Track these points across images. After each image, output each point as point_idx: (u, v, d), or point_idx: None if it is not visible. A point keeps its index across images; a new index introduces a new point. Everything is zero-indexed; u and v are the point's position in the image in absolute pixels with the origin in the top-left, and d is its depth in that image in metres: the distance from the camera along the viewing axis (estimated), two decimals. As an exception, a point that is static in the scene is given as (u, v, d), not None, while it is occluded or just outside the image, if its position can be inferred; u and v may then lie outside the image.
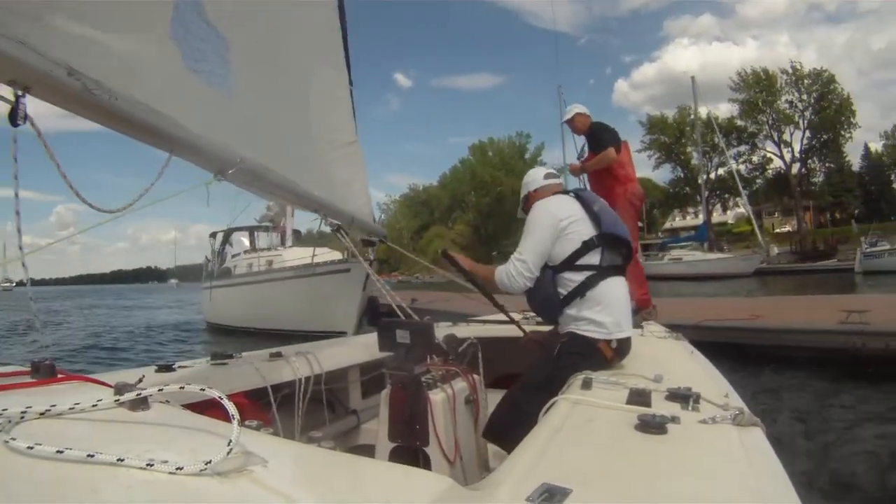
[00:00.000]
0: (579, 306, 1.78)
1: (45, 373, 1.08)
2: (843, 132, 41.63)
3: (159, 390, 0.95)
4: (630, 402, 1.28)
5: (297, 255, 11.76)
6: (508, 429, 1.76)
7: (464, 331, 2.50)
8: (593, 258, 1.80)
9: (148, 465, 0.70)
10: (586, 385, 1.45)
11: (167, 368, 1.70)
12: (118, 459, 0.70)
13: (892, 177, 44.71)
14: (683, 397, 1.31)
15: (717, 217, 43.24)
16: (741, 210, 44.77)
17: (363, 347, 2.29)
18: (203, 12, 1.58)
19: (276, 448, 0.87)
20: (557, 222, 1.81)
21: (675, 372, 1.61)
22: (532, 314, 2.29)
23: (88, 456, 0.71)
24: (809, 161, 43.48)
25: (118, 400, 0.93)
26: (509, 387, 1.98)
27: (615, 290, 1.82)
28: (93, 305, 27.00)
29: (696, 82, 30.60)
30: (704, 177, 36.36)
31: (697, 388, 1.35)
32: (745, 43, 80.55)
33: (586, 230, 1.82)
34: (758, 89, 42.17)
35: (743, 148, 44.20)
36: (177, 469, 0.70)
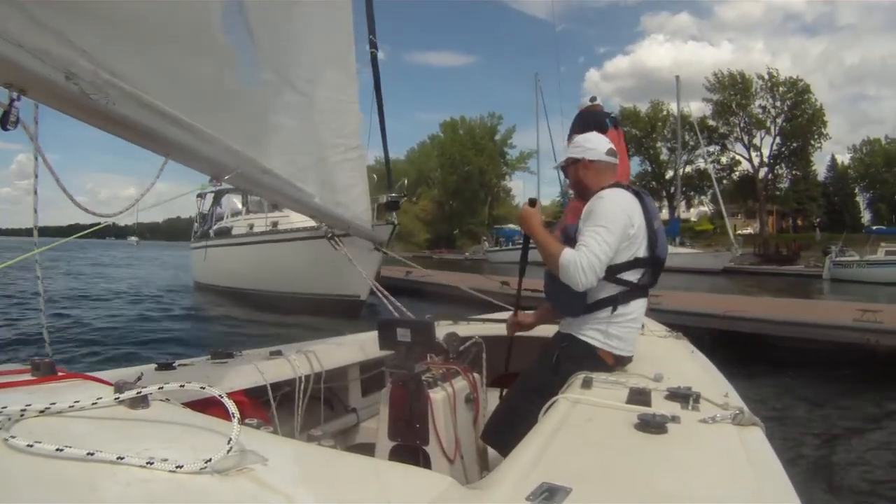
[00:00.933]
0: (604, 316, 1.72)
1: (45, 371, 1.08)
2: (813, 142, 42.55)
3: (159, 388, 0.95)
4: (630, 401, 1.28)
5: (305, 217, 11.57)
6: (505, 433, 1.75)
7: (465, 329, 2.50)
8: (634, 276, 1.72)
9: (148, 463, 0.70)
10: (586, 384, 1.45)
11: (167, 366, 1.70)
12: (118, 458, 0.70)
13: (857, 190, 45.86)
14: (683, 397, 1.31)
15: (681, 214, 44.29)
16: (704, 209, 46.22)
17: (363, 346, 2.29)
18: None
19: (276, 446, 0.87)
20: (629, 228, 1.68)
21: (675, 371, 1.61)
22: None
23: (88, 454, 0.71)
24: (777, 167, 44.36)
25: (118, 398, 0.93)
26: (510, 386, 1.97)
27: (638, 311, 1.77)
28: (58, 259, 24.04)
29: (680, 81, 30.97)
30: (678, 172, 37.41)
31: (697, 388, 1.35)
32: (720, 45, 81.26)
33: (642, 246, 1.72)
34: (733, 92, 42.80)
35: (713, 148, 44.93)
36: (177, 467, 0.70)
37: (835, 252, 22.85)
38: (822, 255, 26.68)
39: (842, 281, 20.35)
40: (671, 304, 6.58)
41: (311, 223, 10.42)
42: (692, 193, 46.81)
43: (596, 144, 1.88)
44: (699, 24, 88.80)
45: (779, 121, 42.21)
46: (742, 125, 43.51)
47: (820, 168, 45.74)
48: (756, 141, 43.54)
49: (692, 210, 48.76)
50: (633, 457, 0.99)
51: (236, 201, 15.02)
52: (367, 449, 1.87)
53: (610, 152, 1.86)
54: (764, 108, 42.75)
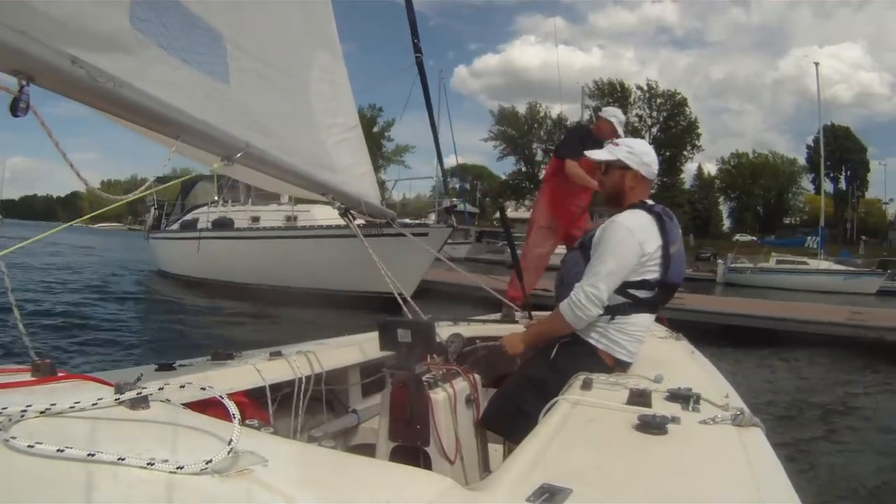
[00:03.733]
0: (604, 322, 1.74)
1: (45, 371, 1.07)
2: (686, 152, 46.24)
3: (160, 389, 0.95)
4: (630, 402, 1.28)
5: (329, 214, 11.29)
6: (498, 419, 1.79)
7: (466, 330, 2.50)
8: (641, 294, 1.73)
9: (148, 464, 0.70)
10: (586, 385, 1.45)
11: (167, 367, 1.70)
12: (119, 458, 0.70)
13: (722, 199, 50.84)
14: (684, 398, 1.31)
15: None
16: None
17: (363, 346, 2.28)
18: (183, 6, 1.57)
19: (277, 447, 0.87)
20: (641, 257, 1.68)
21: (675, 372, 1.61)
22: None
23: (89, 455, 0.71)
24: (649, 174, 47.98)
25: (118, 399, 0.93)
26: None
27: (641, 322, 1.77)
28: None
29: (584, 91, 32.91)
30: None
31: (698, 389, 1.35)
32: (590, 51, 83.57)
33: (654, 271, 1.72)
34: (612, 99, 44.35)
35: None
36: (177, 468, 0.70)
37: (730, 258, 24.56)
38: (694, 259, 28.90)
39: (735, 285, 21.43)
40: (694, 305, 8.69)
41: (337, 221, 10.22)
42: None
43: (652, 161, 1.84)
44: (572, 28, 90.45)
45: (654, 130, 45.01)
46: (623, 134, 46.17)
47: (686, 177, 49.72)
48: (631, 148, 46.83)
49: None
50: (634, 458, 0.99)
51: (210, 189, 14.33)
52: (368, 450, 1.87)
53: (657, 173, 1.87)
54: (640, 116, 45.60)
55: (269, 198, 13.34)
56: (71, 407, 0.88)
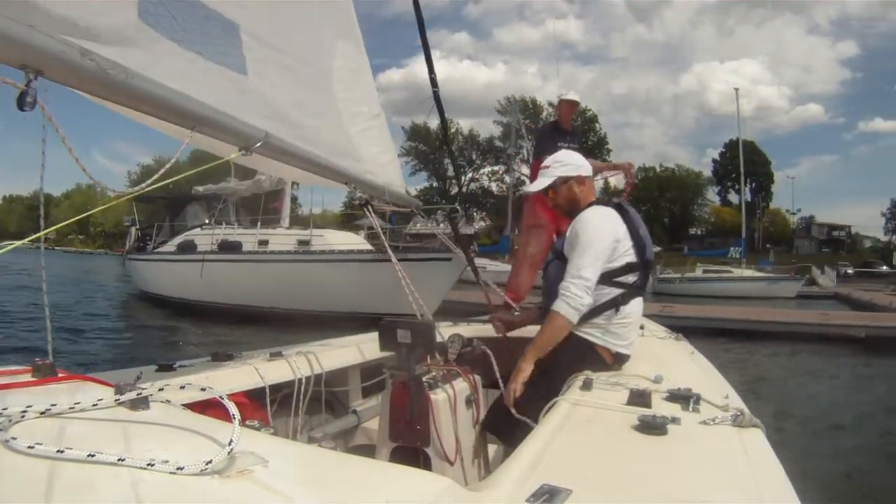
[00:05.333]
0: (607, 318, 1.77)
1: (45, 372, 1.07)
2: None
3: (160, 390, 0.95)
4: (630, 402, 1.28)
5: (343, 239, 11.58)
6: (501, 422, 1.79)
7: (466, 330, 2.50)
8: (629, 278, 1.80)
9: (149, 464, 0.70)
10: (586, 386, 1.45)
11: (167, 368, 1.70)
12: (119, 459, 0.71)
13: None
14: (684, 398, 1.31)
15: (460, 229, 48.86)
16: (483, 224, 48.19)
17: (363, 347, 2.28)
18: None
19: (277, 448, 0.87)
20: (616, 242, 1.77)
21: (675, 373, 1.61)
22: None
23: (89, 455, 0.71)
24: (559, 188, 50.76)
25: (118, 399, 0.93)
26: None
27: (636, 310, 1.84)
28: None
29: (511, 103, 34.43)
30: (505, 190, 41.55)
31: (698, 389, 1.35)
32: (494, 66, 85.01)
33: (632, 253, 1.80)
34: (523, 116, 45.12)
35: (498, 167, 49.18)
36: (177, 469, 0.70)
37: (658, 270, 25.36)
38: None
39: (665, 294, 22.01)
40: (682, 313, 10.71)
41: (355, 246, 10.35)
42: (474, 210, 50.38)
43: (582, 161, 1.97)
44: (476, 44, 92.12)
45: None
46: (529, 148, 47.39)
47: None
48: (541, 163, 48.77)
49: (474, 225, 51.09)
50: (634, 458, 0.99)
51: (199, 211, 14.13)
52: (368, 450, 1.87)
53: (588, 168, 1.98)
54: (551, 132, 47.44)
55: (272, 221, 13.43)
56: (71, 408, 0.88)
